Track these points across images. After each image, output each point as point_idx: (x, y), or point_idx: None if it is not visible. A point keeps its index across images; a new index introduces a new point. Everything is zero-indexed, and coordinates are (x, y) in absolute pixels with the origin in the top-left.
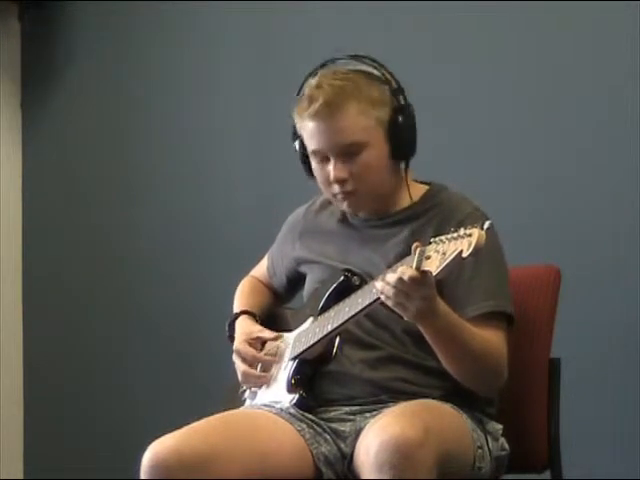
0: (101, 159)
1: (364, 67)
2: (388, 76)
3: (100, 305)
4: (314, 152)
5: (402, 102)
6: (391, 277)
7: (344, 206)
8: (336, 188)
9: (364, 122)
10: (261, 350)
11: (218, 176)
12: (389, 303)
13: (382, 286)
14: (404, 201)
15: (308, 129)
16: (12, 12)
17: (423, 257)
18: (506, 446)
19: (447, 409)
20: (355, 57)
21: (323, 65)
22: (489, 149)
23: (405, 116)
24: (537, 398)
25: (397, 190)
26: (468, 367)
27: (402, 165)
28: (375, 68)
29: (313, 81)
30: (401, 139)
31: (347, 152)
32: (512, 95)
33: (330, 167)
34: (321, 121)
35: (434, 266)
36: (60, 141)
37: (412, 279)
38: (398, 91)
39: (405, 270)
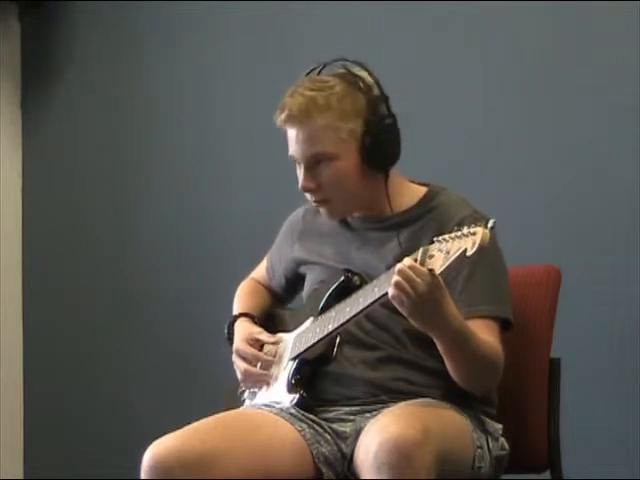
0: (101, 159)
1: (348, 74)
2: (372, 84)
3: (100, 305)
4: (290, 156)
5: (382, 112)
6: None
7: (322, 212)
8: (309, 195)
9: (332, 135)
10: (261, 350)
11: (218, 177)
12: (396, 303)
13: (396, 282)
14: (402, 204)
15: (287, 134)
16: (12, 12)
17: (426, 256)
18: (506, 446)
19: (447, 409)
20: (343, 62)
21: (312, 70)
22: (489, 149)
23: (381, 128)
24: (537, 398)
25: (392, 193)
26: (473, 372)
27: (382, 174)
28: (361, 75)
29: (291, 88)
30: (375, 151)
31: (314, 162)
32: (512, 95)
33: (300, 175)
34: (291, 128)
35: (437, 265)
36: (60, 141)
37: (411, 267)
38: (379, 100)
39: (406, 260)
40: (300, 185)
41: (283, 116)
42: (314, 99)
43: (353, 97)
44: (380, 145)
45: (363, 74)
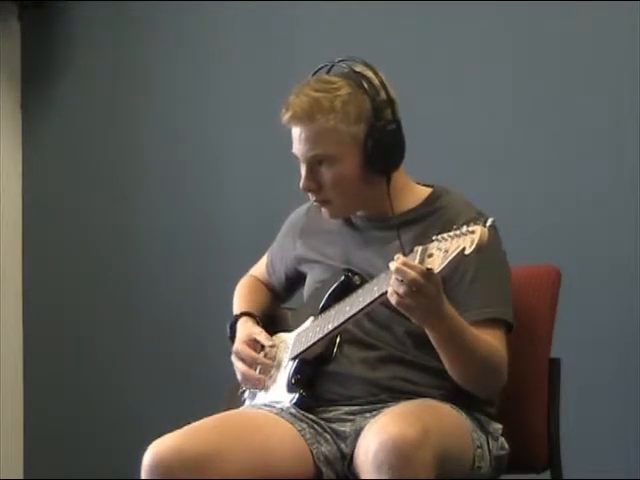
0: (101, 159)
1: (355, 75)
2: (379, 86)
3: (100, 305)
4: (293, 154)
5: (386, 116)
6: (396, 270)
7: (323, 212)
8: (310, 195)
9: (334, 137)
10: (261, 352)
11: (218, 176)
12: (393, 300)
13: (393, 281)
14: (405, 203)
15: (292, 132)
16: (12, 12)
17: (425, 255)
18: (506, 445)
19: (447, 409)
20: (351, 62)
21: (320, 69)
22: (489, 149)
23: (384, 133)
24: (537, 398)
25: (396, 193)
26: (471, 371)
27: (383, 177)
28: (368, 76)
29: (298, 87)
30: (377, 157)
31: (315, 162)
32: (512, 95)
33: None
34: (294, 128)
35: (436, 264)
36: (60, 141)
37: (420, 273)
38: (385, 104)
39: (406, 260)
40: (301, 185)
41: (287, 115)
42: (318, 101)
43: (358, 100)
44: (382, 150)
45: (370, 75)
